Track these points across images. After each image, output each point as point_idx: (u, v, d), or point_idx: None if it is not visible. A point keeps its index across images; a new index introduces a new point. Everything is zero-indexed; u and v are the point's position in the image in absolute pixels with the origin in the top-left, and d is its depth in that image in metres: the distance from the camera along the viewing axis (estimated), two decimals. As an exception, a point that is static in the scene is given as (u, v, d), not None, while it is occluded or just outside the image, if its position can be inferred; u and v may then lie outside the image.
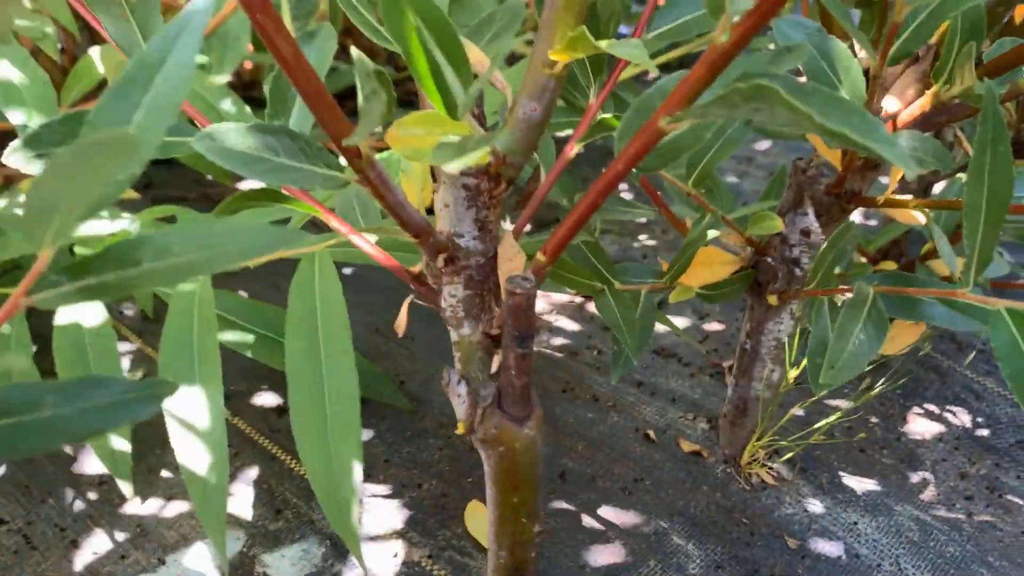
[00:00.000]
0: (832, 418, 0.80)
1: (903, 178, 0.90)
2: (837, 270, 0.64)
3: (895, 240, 0.95)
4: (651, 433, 0.85)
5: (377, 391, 0.85)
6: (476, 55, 0.50)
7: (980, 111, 0.42)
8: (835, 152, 0.60)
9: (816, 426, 0.79)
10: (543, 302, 1.08)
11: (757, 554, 0.71)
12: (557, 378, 0.93)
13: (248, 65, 1.44)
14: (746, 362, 0.75)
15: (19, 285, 0.33)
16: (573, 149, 0.55)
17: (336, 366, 0.60)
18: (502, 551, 0.57)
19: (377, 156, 0.52)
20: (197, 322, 0.69)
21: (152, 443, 0.82)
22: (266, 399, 0.88)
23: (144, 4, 0.51)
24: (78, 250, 0.94)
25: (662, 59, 0.44)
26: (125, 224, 0.90)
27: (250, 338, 0.81)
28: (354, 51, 0.37)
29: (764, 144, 1.59)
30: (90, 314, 0.76)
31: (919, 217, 0.60)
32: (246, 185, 1.29)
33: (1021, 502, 0.78)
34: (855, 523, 0.75)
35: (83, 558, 0.69)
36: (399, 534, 0.72)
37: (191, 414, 0.66)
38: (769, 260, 0.68)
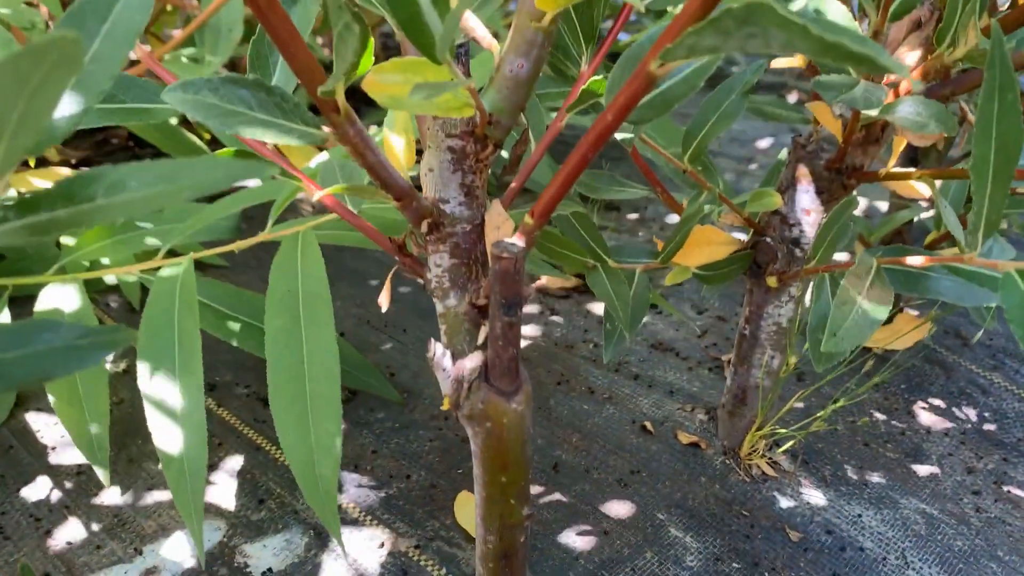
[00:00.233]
0: (836, 404, 0.78)
1: (916, 159, 0.88)
2: (839, 248, 0.62)
3: (897, 230, 0.93)
4: (648, 425, 0.82)
5: (367, 383, 0.83)
6: (470, 22, 0.48)
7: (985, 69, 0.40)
8: (836, 123, 0.58)
9: (818, 414, 0.76)
10: (536, 293, 1.06)
11: (758, 547, 0.69)
12: (552, 370, 0.91)
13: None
14: (745, 348, 0.73)
15: (-36, 222, 0.30)
16: (564, 118, 0.53)
17: (317, 344, 0.58)
18: (490, 535, 0.55)
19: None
20: (178, 305, 0.67)
21: (133, 433, 0.79)
22: (252, 389, 0.86)
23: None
24: (63, 240, 0.92)
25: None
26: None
27: (235, 327, 0.79)
28: (326, -15, 0.35)
29: (764, 143, 1.57)
30: (68, 300, 0.74)
31: (923, 190, 0.58)
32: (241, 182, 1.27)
33: (1030, 495, 0.76)
34: (859, 516, 0.72)
35: (57, 548, 0.66)
36: (385, 524, 0.69)
37: (169, 397, 0.63)
38: (768, 240, 0.66)
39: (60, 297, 0.76)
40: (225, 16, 1.08)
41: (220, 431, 0.80)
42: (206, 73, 0.73)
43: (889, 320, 0.95)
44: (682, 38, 0.31)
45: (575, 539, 0.69)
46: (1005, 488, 0.77)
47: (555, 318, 1.01)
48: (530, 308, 1.03)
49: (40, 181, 1.00)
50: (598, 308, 1.03)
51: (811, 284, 0.63)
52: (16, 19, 0.96)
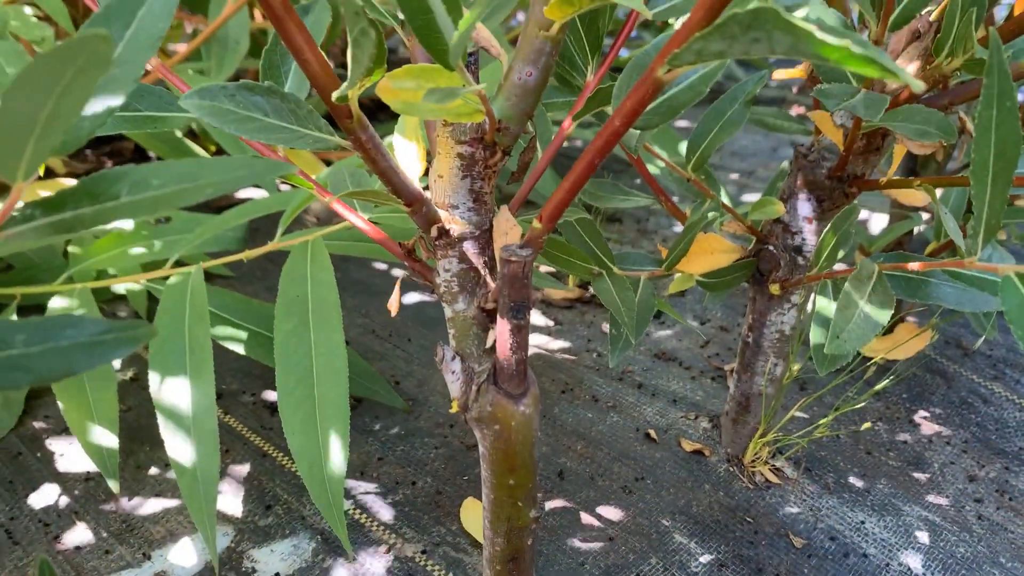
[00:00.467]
0: (837, 411, 0.78)
1: (914, 170, 0.89)
2: (841, 254, 0.63)
3: (898, 240, 0.93)
4: (652, 433, 0.83)
5: (372, 390, 0.83)
6: (481, 32, 0.50)
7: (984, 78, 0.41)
8: (837, 132, 0.59)
9: (820, 422, 0.77)
10: (542, 307, 1.07)
11: (761, 553, 0.69)
12: (556, 379, 0.91)
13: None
14: (748, 356, 0.73)
15: (-9, 220, 0.31)
16: (570, 125, 0.54)
17: (326, 347, 0.59)
18: (498, 538, 0.55)
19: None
20: (189, 313, 0.68)
21: (142, 440, 0.80)
22: (258, 397, 0.87)
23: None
24: (71, 250, 0.93)
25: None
26: (118, 222, 0.89)
27: (243, 335, 0.80)
28: (343, -7, 0.36)
29: (765, 157, 1.59)
30: (76, 310, 0.75)
31: (923, 198, 0.59)
32: (243, 194, 1.28)
33: (1032, 503, 0.76)
34: (862, 522, 0.73)
35: (66, 553, 0.67)
36: (392, 530, 0.70)
37: (181, 404, 0.64)
38: (771, 248, 0.67)
39: (68, 306, 0.77)
40: (232, 29, 1.09)
41: (227, 438, 0.80)
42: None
43: (890, 330, 0.96)
44: (689, 43, 0.32)
45: (581, 545, 0.69)
46: (1007, 496, 0.77)
47: (559, 328, 1.02)
48: (534, 319, 1.04)
49: (47, 192, 1.01)
50: (601, 319, 1.04)
51: (813, 291, 0.64)
52: (26, 33, 0.98)
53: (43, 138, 0.29)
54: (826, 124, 0.59)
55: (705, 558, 0.68)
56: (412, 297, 1.08)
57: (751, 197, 1.42)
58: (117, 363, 0.91)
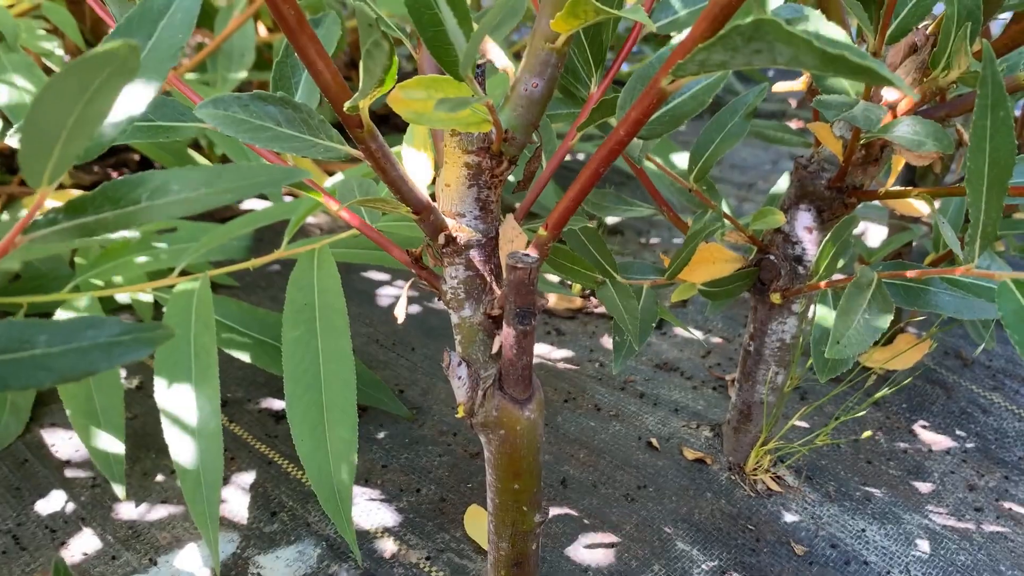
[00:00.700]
0: (838, 420, 0.79)
1: (913, 182, 0.90)
2: (840, 264, 0.64)
3: (897, 252, 0.94)
4: (654, 441, 0.84)
5: (376, 399, 0.84)
6: (488, 44, 0.51)
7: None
8: (836, 143, 0.60)
9: (821, 430, 0.78)
10: (548, 314, 1.08)
11: (763, 560, 0.70)
12: (559, 389, 0.92)
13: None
14: (750, 365, 0.74)
15: (16, 224, 0.32)
16: (575, 137, 0.55)
17: (333, 354, 0.60)
18: (502, 542, 0.56)
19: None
20: (195, 321, 0.68)
21: (148, 447, 0.81)
22: (263, 405, 0.88)
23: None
24: (78, 260, 0.94)
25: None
26: (125, 232, 0.90)
27: (249, 343, 0.81)
28: (357, 6, 0.37)
29: (765, 170, 1.60)
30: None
31: (922, 208, 0.60)
32: (248, 205, 1.29)
33: (1032, 511, 0.77)
34: (863, 530, 0.73)
35: (72, 559, 0.67)
36: (396, 536, 0.70)
37: (186, 410, 0.65)
38: (771, 258, 0.68)
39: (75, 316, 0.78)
40: (237, 42, 1.11)
41: (233, 446, 0.81)
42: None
43: (890, 340, 0.97)
44: (693, 54, 0.33)
45: (584, 552, 0.70)
46: (1007, 505, 0.78)
47: (561, 338, 1.03)
48: (537, 328, 1.05)
49: (54, 203, 1.02)
50: (603, 329, 1.05)
51: (814, 300, 0.64)
52: (34, 44, 0.99)
53: (68, 145, 0.30)
54: (825, 135, 0.60)
55: (707, 565, 0.69)
56: (416, 307, 1.09)
57: (751, 209, 1.43)
58: (123, 371, 0.92)
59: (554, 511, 0.74)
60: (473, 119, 0.43)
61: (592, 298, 1.10)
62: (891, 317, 0.51)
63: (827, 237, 0.62)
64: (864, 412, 0.89)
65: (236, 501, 0.74)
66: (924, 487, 0.79)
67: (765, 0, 0.44)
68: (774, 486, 0.77)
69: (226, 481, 0.76)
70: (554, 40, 0.46)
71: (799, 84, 0.70)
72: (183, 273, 0.78)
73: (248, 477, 0.77)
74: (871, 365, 0.93)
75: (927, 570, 0.70)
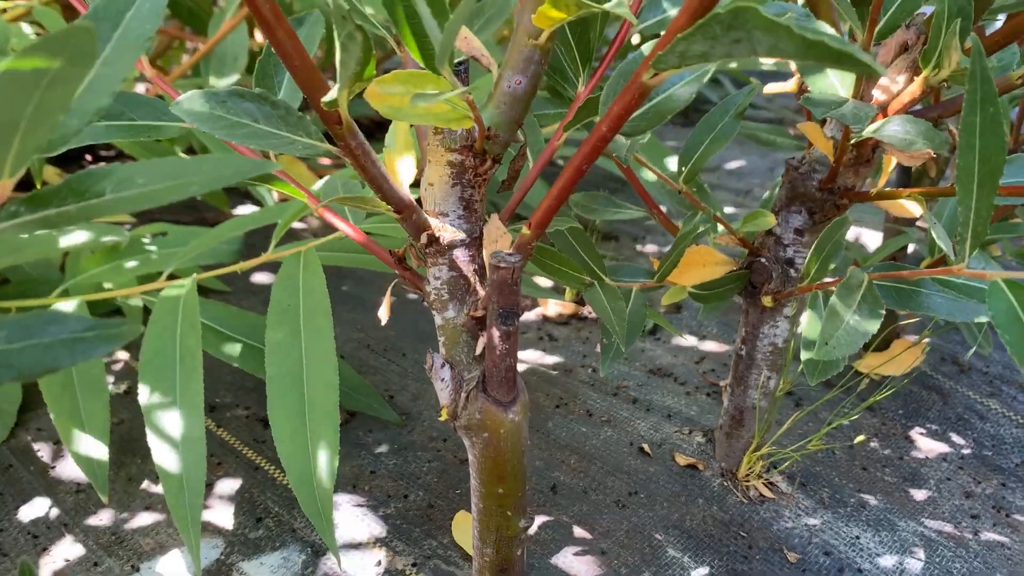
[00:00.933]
0: (831, 425, 0.78)
1: (908, 185, 0.89)
2: (832, 266, 0.63)
3: (892, 256, 0.94)
4: (646, 447, 0.83)
5: (366, 404, 0.83)
6: (471, 41, 0.50)
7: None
8: (827, 144, 0.59)
9: (814, 436, 0.77)
10: (539, 320, 1.07)
11: (755, 568, 0.69)
12: (550, 394, 0.91)
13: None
14: (742, 369, 0.73)
15: (-23, 217, 0.31)
16: (561, 136, 0.54)
17: (316, 356, 0.59)
18: (487, 548, 0.55)
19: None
20: (181, 323, 0.68)
21: (134, 453, 0.80)
22: (251, 411, 0.87)
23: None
24: (68, 262, 0.93)
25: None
26: (115, 237, 0.89)
27: (236, 347, 0.80)
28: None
29: (761, 176, 1.59)
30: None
31: (914, 209, 0.59)
32: (240, 211, 1.28)
33: (1029, 518, 0.76)
34: (857, 537, 0.72)
35: (55, 565, 0.66)
36: (383, 542, 0.69)
37: (169, 413, 0.64)
38: (763, 260, 0.67)
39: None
40: (230, 46, 1.10)
41: (219, 451, 0.80)
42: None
43: (885, 346, 0.96)
44: (673, 44, 0.33)
45: (573, 559, 0.69)
46: (1003, 512, 0.77)
47: (554, 344, 1.02)
48: (529, 334, 1.04)
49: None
50: (596, 335, 1.04)
51: (806, 302, 0.64)
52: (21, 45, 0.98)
53: (29, 135, 0.29)
54: (816, 135, 0.60)
55: (699, 572, 0.68)
56: (407, 312, 1.08)
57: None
58: (110, 376, 0.91)
59: (544, 517, 0.73)
60: (453, 115, 0.42)
61: (585, 303, 1.09)
62: (880, 319, 0.50)
63: (818, 239, 0.61)
64: (859, 418, 0.88)
65: (221, 507, 0.73)
66: (920, 494, 0.78)
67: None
68: (767, 492, 0.76)
69: (211, 487, 0.75)
70: (537, 36, 0.45)
71: (790, 85, 0.70)
72: (172, 277, 0.77)
73: (234, 482, 0.76)
74: (865, 370, 0.92)
75: (922, 578, 0.69)
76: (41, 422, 0.84)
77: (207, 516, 0.72)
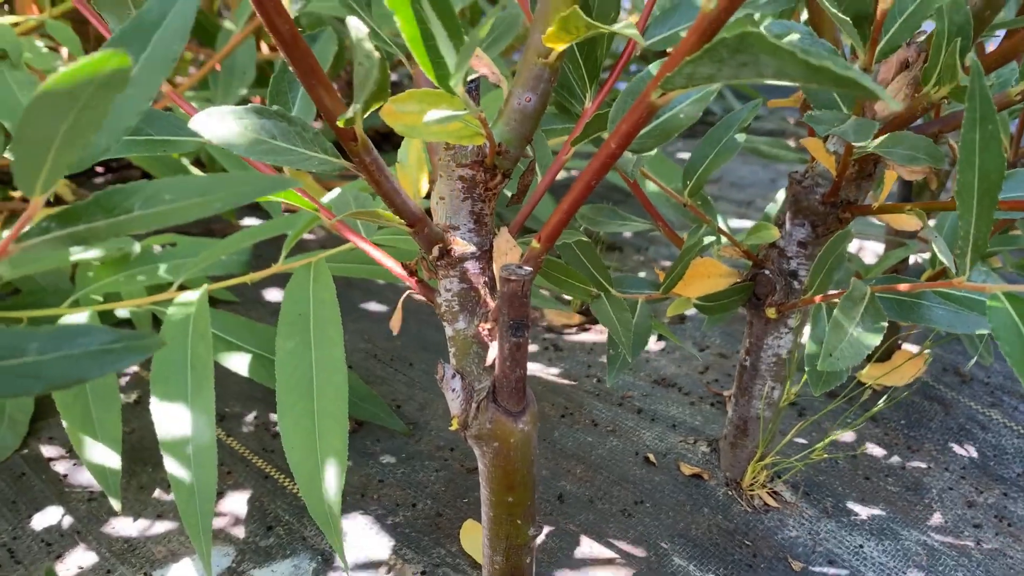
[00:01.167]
0: (835, 435, 0.79)
1: (909, 199, 0.90)
2: (835, 279, 0.64)
3: (894, 268, 0.94)
4: (651, 457, 0.83)
5: (373, 414, 0.84)
6: (482, 59, 0.51)
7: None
8: (830, 159, 0.61)
9: (817, 445, 0.77)
10: (546, 330, 1.08)
11: (760, 576, 0.69)
12: (556, 404, 0.92)
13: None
14: (746, 380, 0.74)
15: (10, 232, 0.32)
16: (569, 151, 0.55)
17: (326, 364, 0.60)
18: (496, 556, 0.56)
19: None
20: (192, 332, 0.69)
21: (145, 461, 0.81)
22: (261, 420, 0.88)
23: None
24: (78, 273, 0.95)
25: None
26: (125, 248, 0.91)
27: (246, 357, 0.81)
28: (350, 20, 0.37)
29: (764, 187, 1.61)
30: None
31: (916, 223, 0.60)
32: (248, 222, 1.30)
33: (1031, 528, 0.76)
34: (861, 546, 0.73)
35: (68, 572, 0.67)
36: (392, 551, 0.70)
37: (181, 420, 0.65)
38: (767, 273, 0.68)
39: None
40: (239, 59, 1.12)
41: (229, 460, 0.81)
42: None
43: (887, 356, 0.96)
44: (680, 67, 0.34)
45: (580, 568, 0.69)
46: (1005, 522, 0.77)
47: (559, 354, 1.03)
48: (535, 344, 1.05)
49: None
50: (601, 345, 1.05)
51: (809, 314, 0.65)
52: (39, 63, 1.00)
53: (61, 153, 0.30)
54: (819, 151, 0.61)
55: (704, 581, 0.69)
56: (413, 323, 1.09)
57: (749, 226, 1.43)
58: (121, 385, 0.92)
59: (550, 526, 0.74)
60: (465, 132, 0.44)
61: (590, 313, 1.10)
62: (883, 331, 0.51)
63: (821, 252, 0.62)
64: (862, 428, 0.89)
65: (233, 515, 0.74)
66: (922, 503, 0.79)
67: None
68: (771, 501, 0.77)
69: (223, 495, 0.76)
70: (547, 55, 0.46)
71: (793, 99, 0.71)
72: (182, 287, 0.78)
73: (245, 491, 0.77)
74: (867, 381, 0.93)
75: (925, 587, 0.69)
76: (53, 431, 0.85)
77: (218, 524, 0.73)
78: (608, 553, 0.71)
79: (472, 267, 0.51)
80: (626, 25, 0.42)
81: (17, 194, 1.19)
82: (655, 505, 0.77)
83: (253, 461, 0.81)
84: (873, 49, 0.50)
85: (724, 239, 0.68)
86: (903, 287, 0.54)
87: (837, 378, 0.58)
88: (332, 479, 0.57)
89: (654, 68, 0.45)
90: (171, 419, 0.65)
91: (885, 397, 0.89)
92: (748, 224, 1.44)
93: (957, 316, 0.55)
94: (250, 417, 0.88)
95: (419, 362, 1.00)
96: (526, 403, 0.52)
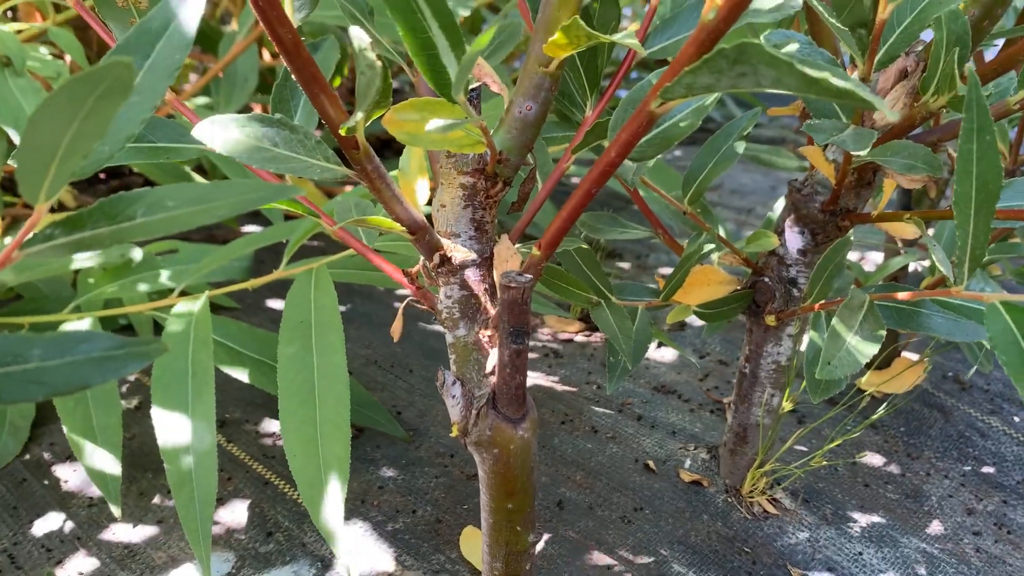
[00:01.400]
0: (835, 443, 0.79)
1: (909, 207, 0.91)
2: (835, 286, 0.64)
3: (893, 276, 0.95)
4: (651, 463, 0.84)
5: (374, 420, 0.84)
6: (483, 68, 0.51)
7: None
8: (829, 167, 0.61)
9: (817, 453, 0.78)
10: (546, 337, 1.08)
11: (759, 583, 0.69)
12: (556, 411, 0.92)
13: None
14: (745, 387, 0.74)
15: (15, 239, 0.33)
16: (570, 159, 0.55)
17: (328, 370, 0.60)
18: (496, 562, 0.56)
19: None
20: (193, 338, 0.69)
21: (145, 467, 0.81)
22: (262, 426, 0.88)
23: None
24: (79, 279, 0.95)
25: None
26: (127, 254, 0.91)
27: (247, 364, 0.81)
28: (352, 30, 0.38)
29: (764, 195, 1.61)
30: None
31: (915, 231, 0.60)
32: (249, 229, 1.30)
33: (1030, 536, 0.77)
34: (860, 553, 0.73)
35: (68, 578, 0.67)
36: (392, 557, 0.70)
37: (181, 425, 0.65)
38: (766, 280, 0.68)
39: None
40: (241, 67, 1.12)
41: (230, 466, 0.81)
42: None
43: (887, 364, 0.97)
44: (680, 77, 0.34)
45: (580, 574, 0.69)
46: (1005, 529, 0.77)
47: (559, 361, 1.03)
48: (535, 352, 1.05)
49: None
50: (601, 352, 1.05)
51: (808, 322, 0.65)
52: (42, 70, 1.00)
53: (65, 161, 0.31)
54: (818, 159, 0.61)
55: (703, 588, 0.69)
56: (414, 330, 1.09)
57: (750, 233, 1.44)
58: (122, 391, 0.92)
59: (550, 533, 0.74)
60: (466, 140, 0.44)
61: (590, 320, 1.10)
62: (881, 340, 0.51)
63: (820, 260, 0.62)
64: (861, 435, 0.89)
65: (233, 521, 0.74)
66: (922, 511, 0.79)
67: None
68: (771, 509, 0.77)
69: (223, 501, 0.76)
70: (548, 64, 0.46)
71: (793, 108, 0.71)
72: (183, 294, 0.79)
73: (245, 497, 0.77)
74: (867, 388, 0.93)
75: (924, 594, 0.69)
76: (54, 437, 0.85)
77: (218, 530, 0.73)
78: (608, 560, 0.71)
79: (473, 274, 0.52)
80: (626, 35, 0.42)
81: (20, 200, 1.20)
82: (655, 512, 0.77)
83: (253, 467, 0.81)
84: (871, 59, 0.50)
85: (724, 246, 0.68)
86: (901, 295, 0.54)
87: (836, 386, 0.58)
88: (334, 487, 0.57)
89: (654, 77, 0.45)
90: (171, 425, 0.65)
91: (885, 404, 0.89)
92: (751, 231, 1.44)
93: (955, 324, 0.55)
94: (251, 423, 0.88)
95: (420, 368, 1.00)
96: (526, 410, 0.52)
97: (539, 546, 0.71)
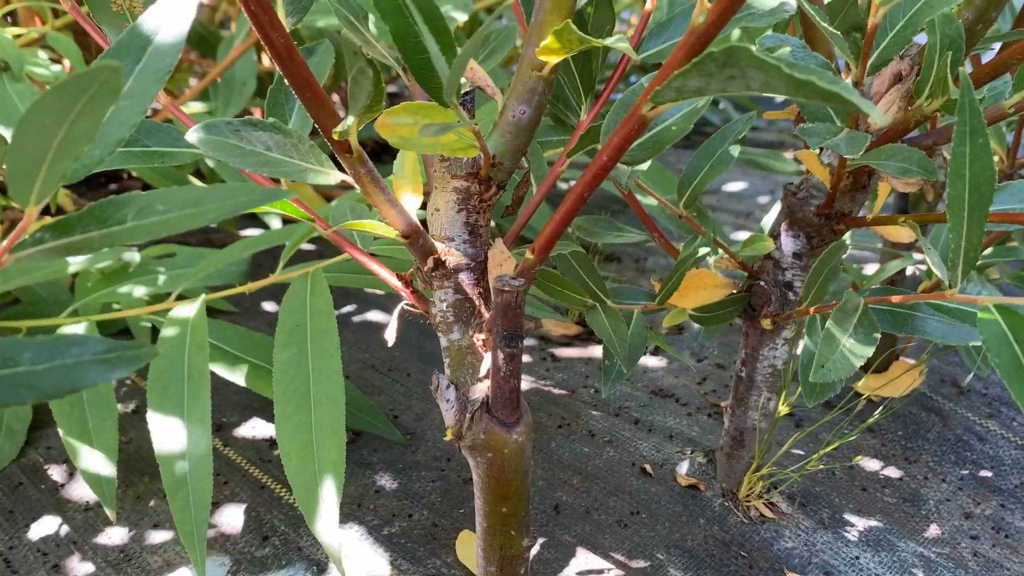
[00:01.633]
0: (831, 446, 0.79)
1: (906, 210, 0.91)
2: (830, 290, 0.64)
3: (890, 279, 0.95)
4: (648, 467, 0.83)
5: (370, 424, 0.84)
6: (477, 72, 0.52)
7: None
8: (824, 171, 0.61)
9: (813, 456, 0.77)
10: (543, 341, 1.08)
11: (756, 588, 0.69)
12: (553, 414, 0.92)
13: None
14: (742, 391, 0.74)
15: (4, 243, 0.33)
16: (564, 163, 0.55)
17: (323, 375, 0.60)
18: (491, 567, 0.56)
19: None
20: (189, 342, 0.69)
21: (142, 471, 0.81)
22: (257, 430, 0.88)
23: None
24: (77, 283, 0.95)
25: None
26: (125, 258, 0.91)
27: (244, 367, 0.81)
28: (344, 34, 0.38)
29: (761, 199, 1.61)
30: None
31: (910, 235, 0.60)
32: (247, 233, 1.30)
33: (1027, 540, 0.76)
34: (857, 558, 0.73)
35: (63, 583, 0.67)
36: (388, 562, 0.70)
37: (177, 429, 0.65)
38: (762, 284, 0.68)
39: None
40: (239, 71, 1.12)
41: (226, 470, 0.81)
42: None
43: (885, 367, 0.97)
44: (670, 81, 0.34)
45: (575, 578, 0.69)
46: (1002, 533, 0.77)
47: (556, 364, 1.03)
48: (532, 355, 1.05)
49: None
50: (598, 356, 1.05)
51: (803, 325, 0.65)
52: (41, 75, 1.00)
53: (55, 164, 0.31)
54: (813, 163, 0.61)
55: (699, 592, 0.69)
56: (410, 333, 1.09)
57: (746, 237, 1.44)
58: (118, 395, 0.92)
59: (546, 537, 0.74)
60: (459, 144, 0.44)
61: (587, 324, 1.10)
62: (876, 343, 0.51)
63: (815, 263, 0.62)
64: (859, 438, 0.89)
65: (229, 525, 0.74)
66: (919, 515, 0.79)
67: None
68: (767, 512, 0.77)
69: (218, 505, 0.76)
70: (541, 68, 0.47)
71: (788, 112, 0.71)
72: (180, 297, 0.79)
73: (241, 501, 0.77)
74: (865, 392, 0.93)
75: (921, 598, 0.69)
76: (51, 441, 0.85)
77: (213, 534, 0.73)
78: (604, 564, 0.71)
79: (467, 278, 0.52)
80: (619, 39, 0.42)
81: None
82: (651, 516, 0.77)
83: (249, 471, 0.81)
84: (864, 62, 0.50)
85: (720, 250, 0.68)
86: (896, 299, 0.54)
87: (830, 389, 0.58)
88: (330, 491, 0.57)
89: (646, 81, 0.46)
90: (167, 429, 0.65)
91: (882, 408, 0.89)
92: (746, 235, 1.44)
93: (950, 328, 0.55)
94: (247, 427, 0.88)
95: (416, 372, 1.00)
96: (520, 414, 0.52)
97: (534, 550, 0.71)
